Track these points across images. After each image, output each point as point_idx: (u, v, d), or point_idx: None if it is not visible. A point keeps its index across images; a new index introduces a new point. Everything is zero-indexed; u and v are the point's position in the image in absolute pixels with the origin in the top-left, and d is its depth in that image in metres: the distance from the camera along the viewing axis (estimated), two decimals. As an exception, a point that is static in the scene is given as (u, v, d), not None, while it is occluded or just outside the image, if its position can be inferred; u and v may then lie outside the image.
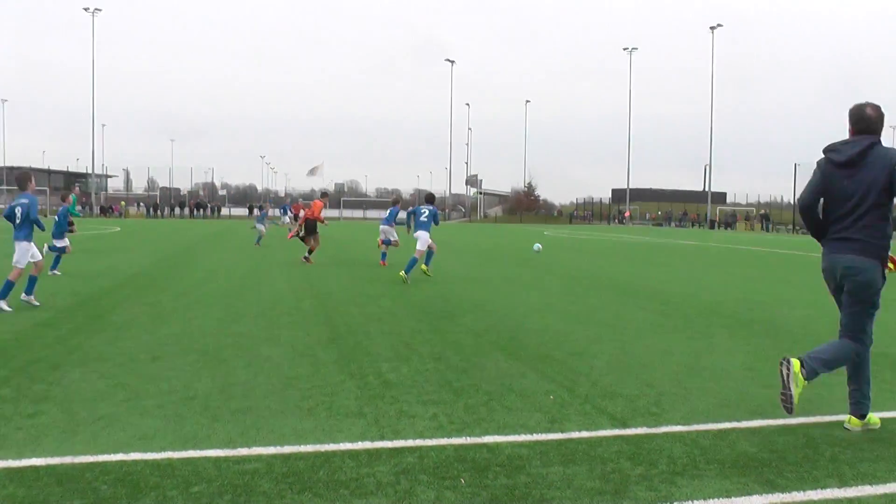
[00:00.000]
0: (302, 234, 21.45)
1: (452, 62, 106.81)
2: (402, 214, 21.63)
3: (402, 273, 15.79)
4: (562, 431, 5.47)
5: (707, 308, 12.64)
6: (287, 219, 39.88)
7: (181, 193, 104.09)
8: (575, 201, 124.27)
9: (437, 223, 16.95)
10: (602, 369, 7.57)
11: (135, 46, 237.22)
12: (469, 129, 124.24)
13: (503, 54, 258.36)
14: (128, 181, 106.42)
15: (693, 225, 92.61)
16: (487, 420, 5.72)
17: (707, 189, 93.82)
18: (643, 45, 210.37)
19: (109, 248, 26.60)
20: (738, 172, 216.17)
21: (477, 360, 7.87)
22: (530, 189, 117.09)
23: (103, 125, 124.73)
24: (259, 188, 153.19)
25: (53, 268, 16.44)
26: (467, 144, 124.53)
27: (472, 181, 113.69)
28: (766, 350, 8.89)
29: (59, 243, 16.65)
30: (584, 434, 5.43)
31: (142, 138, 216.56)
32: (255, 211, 36.92)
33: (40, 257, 11.72)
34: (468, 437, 5.29)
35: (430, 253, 16.98)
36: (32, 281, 11.59)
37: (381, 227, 20.92)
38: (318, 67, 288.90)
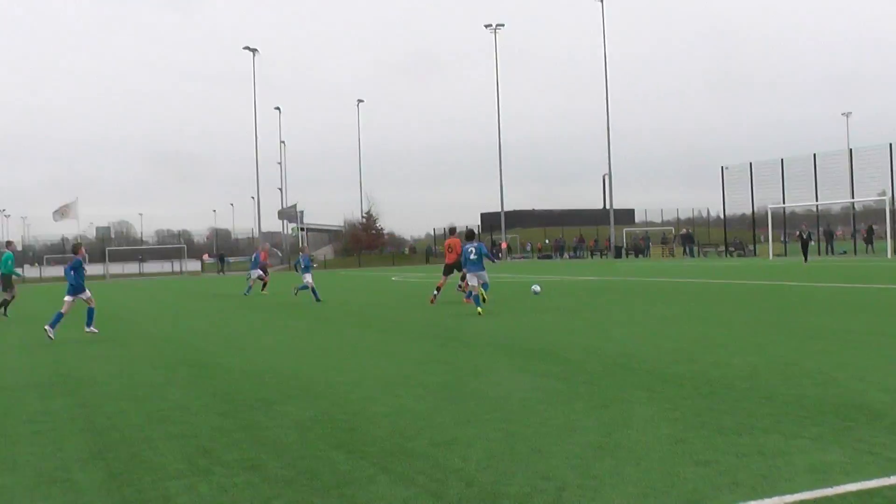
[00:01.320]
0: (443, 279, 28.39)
1: (255, 51, 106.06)
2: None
3: (475, 305, 22.78)
4: (429, 555, 5.36)
5: (617, 364, 12.84)
6: (255, 273, 38.72)
7: None
8: (432, 233, 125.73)
9: (485, 255, 23.91)
10: (480, 461, 7.51)
11: None
12: (282, 141, 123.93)
13: (324, 47, 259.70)
14: None
15: (593, 254, 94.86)
16: (323, 549, 5.55)
17: (608, 206, 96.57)
18: (510, 22, 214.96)
19: None
20: (649, 183, 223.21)
21: (305, 465, 7.68)
22: (370, 220, 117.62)
23: None
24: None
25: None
26: (280, 163, 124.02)
27: (289, 213, 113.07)
28: (699, 414, 9.04)
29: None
30: (460, 555, 5.33)
31: None
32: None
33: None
34: (296, 577, 5.10)
35: (484, 285, 23.96)
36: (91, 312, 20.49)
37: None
38: (74, 76, 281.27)
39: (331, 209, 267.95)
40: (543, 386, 11.24)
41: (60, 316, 20.50)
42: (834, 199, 67.01)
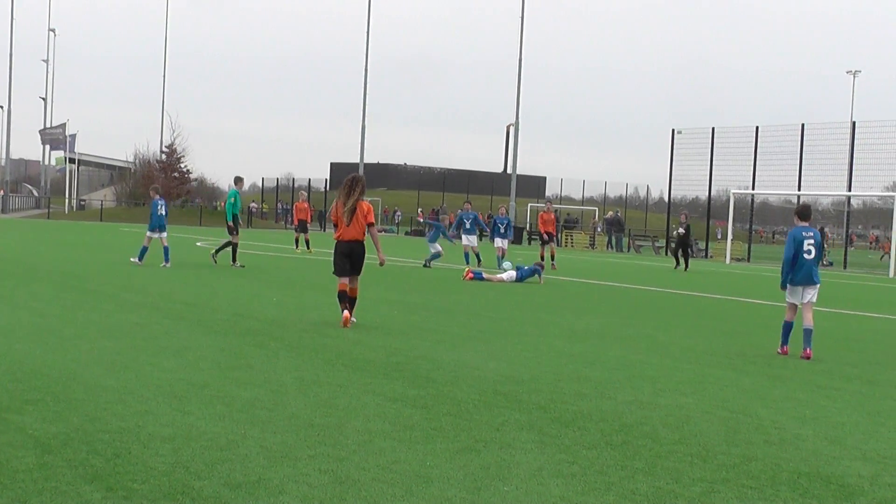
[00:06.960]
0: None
1: None
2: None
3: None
4: None
5: (499, 392, 12.97)
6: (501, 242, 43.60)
7: None
8: (260, 185, 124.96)
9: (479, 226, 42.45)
10: (295, 513, 7.53)
11: None
12: (51, 30, 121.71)
13: None
14: None
15: (483, 235, 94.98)
16: None
17: (510, 169, 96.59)
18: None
19: None
20: (571, 144, 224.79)
21: (43, 502, 7.62)
22: (173, 157, 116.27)
23: None
24: None
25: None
26: (46, 61, 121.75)
27: (53, 137, 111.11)
28: (605, 471, 9.20)
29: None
30: None
31: None
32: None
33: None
34: None
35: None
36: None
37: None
38: None
39: (117, 136, 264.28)
40: (393, 414, 11.29)
41: None
42: (824, 189, 67.22)
